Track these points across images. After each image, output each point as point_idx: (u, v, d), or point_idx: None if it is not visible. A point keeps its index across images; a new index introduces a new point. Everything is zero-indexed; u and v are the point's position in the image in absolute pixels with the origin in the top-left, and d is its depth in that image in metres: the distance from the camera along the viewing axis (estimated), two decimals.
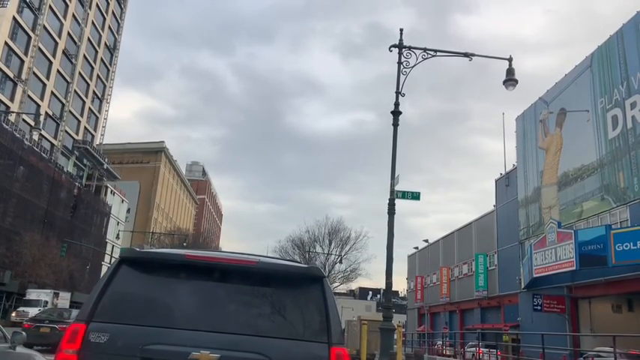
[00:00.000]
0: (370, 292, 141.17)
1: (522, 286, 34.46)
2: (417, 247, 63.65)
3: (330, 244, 39.79)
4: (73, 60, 59.31)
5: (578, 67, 30.31)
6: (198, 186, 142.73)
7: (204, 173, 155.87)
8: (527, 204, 35.18)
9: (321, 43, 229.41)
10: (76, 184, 57.77)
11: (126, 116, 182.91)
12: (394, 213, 11.08)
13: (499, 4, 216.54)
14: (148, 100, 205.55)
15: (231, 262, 3.52)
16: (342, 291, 55.49)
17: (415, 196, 11.38)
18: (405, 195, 11.37)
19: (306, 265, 3.80)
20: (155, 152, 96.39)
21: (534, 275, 28.59)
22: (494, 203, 41.55)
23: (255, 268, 3.47)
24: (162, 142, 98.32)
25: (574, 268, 24.64)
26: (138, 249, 3.70)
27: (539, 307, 29.77)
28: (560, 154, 31.61)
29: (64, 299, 37.34)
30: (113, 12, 72.02)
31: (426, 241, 59.48)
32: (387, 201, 10.91)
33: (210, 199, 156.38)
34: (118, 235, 69.30)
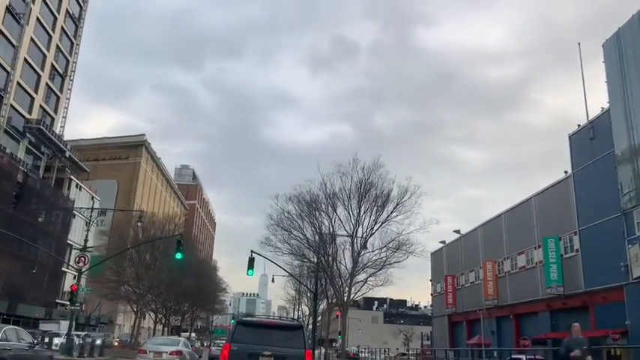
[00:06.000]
0: (376, 302, 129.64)
1: (634, 275, 23.76)
2: (443, 242, 52.80)
3: (359, 205, 27.74)
4: (21, 20, 48.52)
5: None
6: (189, 191, 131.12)
7: (194, 177, 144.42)
8: (635, 157, 24.50)
9: (289, 57, 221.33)
10: (21, 168, 46.51)
11: (101, 132, 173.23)
12: None
13: (458, 16, 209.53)
14: (122, 116, 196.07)
15: (274, 324, 12.58)
16: (377, 294, 43.64)
17: None
18: None
19: (297, 323, 13.32)
20: (135, 147, 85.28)
21: None
22: (569, 168, 30.75)
23: (282, 324, 12.90)
24: (143, 135, 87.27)
25: None
26: (243, 318, 12.79)
27: None
28: None
29: None
30: None
31: (458, 231, 48.58)
32: None
33: (202, 206, 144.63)
34: (69, 223, 57.58)
